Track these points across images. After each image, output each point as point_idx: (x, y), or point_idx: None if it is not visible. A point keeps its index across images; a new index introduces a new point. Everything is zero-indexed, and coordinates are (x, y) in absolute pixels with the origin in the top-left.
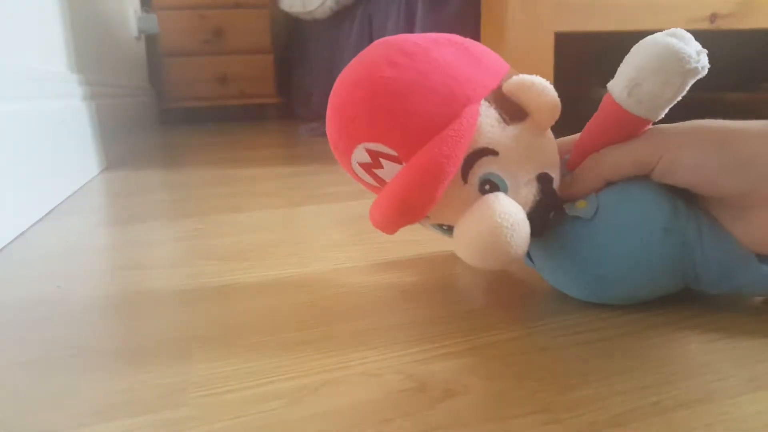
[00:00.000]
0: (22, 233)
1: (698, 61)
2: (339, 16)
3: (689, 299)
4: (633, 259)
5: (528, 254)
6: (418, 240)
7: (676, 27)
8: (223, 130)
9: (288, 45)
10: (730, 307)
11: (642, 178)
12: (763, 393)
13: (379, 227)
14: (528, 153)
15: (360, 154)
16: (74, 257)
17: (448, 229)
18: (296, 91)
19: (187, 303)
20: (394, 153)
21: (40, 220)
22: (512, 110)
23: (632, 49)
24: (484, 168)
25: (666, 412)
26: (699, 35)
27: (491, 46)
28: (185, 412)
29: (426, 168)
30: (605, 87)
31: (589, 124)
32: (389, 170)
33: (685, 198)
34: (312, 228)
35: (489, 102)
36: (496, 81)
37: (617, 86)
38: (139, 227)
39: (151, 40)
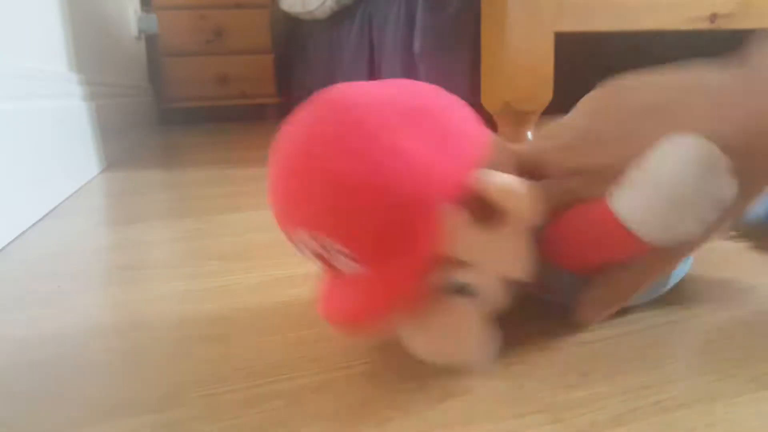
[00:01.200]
0: (22, 233)
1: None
2: (339, 16)
3: (688, 300)
4: None
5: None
6: None
7: (677, 27)
8: (223, 130)
9: (288, 45)
10: (730, 308)
11: None
12: (763, 393)
13: (347, 321)
14: (497, 257)
15: (304, 236)
16: (74, 257)
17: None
18: (296, 91)
19: (187, 303)
20: (345, 250)
21: (40, 220)
22: (483, 210)
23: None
24: (450, 273)
25: (666, 412)
26: (699, 35)
27: (491, 46)
28: (185, 412)
29: (395, 289)
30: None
31: (570, 225)
32: (340, 261)
33: None
34: None
35: (458, 203)
36: (469, 171)
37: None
38: (139, 227)
39: (151, 40)
